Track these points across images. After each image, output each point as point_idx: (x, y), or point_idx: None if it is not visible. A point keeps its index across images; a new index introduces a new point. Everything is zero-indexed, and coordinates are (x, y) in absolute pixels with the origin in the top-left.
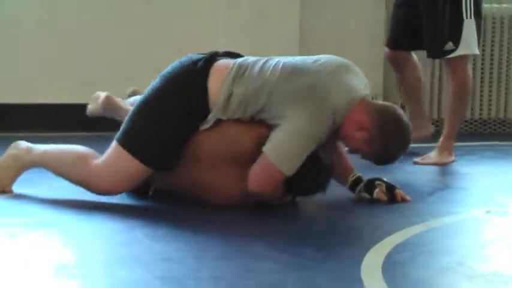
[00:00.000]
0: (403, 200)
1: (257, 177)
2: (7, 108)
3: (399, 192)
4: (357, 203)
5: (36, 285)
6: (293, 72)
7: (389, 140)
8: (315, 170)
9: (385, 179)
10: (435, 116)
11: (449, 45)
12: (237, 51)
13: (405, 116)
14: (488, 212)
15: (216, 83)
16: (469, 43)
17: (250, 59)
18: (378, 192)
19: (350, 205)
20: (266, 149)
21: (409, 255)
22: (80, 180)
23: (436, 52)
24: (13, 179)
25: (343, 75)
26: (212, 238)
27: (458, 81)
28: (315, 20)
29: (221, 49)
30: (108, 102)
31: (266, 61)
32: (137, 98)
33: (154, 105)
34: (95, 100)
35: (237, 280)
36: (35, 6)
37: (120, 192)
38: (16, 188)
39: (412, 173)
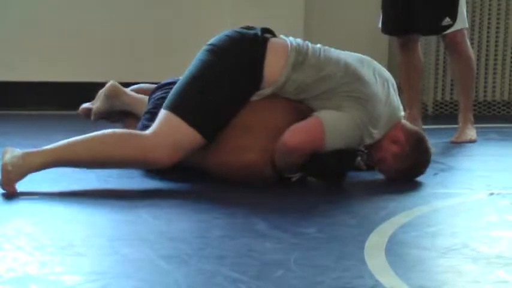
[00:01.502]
0: None
1: (300, 131)
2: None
3: None
4: (361, 184)
5: (42, 263)
6: (355, 75)
7: (414, 161)
8: (345, 158)
9: (363, 149)
10: (439, 98)
11: (447, 20)
12: None
13: (430, 145)
14: (491, 194)
15: (274, 63)
16: (463, 17)
17: (304, 43)
18: (358, 161)
19: (354, 186)
20: (321, 115)
21: (413, 236)
22: (133, 157)
23: (434, 28)
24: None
25: (389, 91)
26: (216, 218)
27: (462, 55)
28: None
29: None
30: (112, 89)
31: (323, 51)
32: (141, 85)
33: (211, 78)
34: (97, 100)
35: (240, 259)
36: None
37: (175, 163)
38: None
39: None
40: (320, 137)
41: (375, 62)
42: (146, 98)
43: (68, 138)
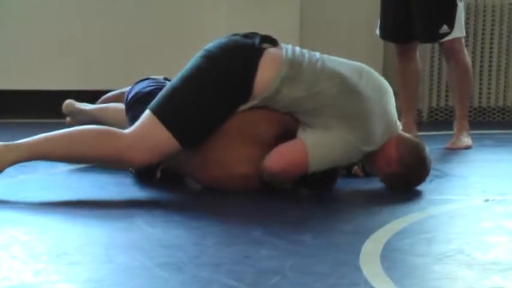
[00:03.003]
0: None
1: (283, 156)
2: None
3: None
4: (356, 190)
5: (37, 272)
6: (351, 91)
7: (412, 178)
8: (331, 172)
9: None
10: (434, 104)
11: (444, 28)
12: None
13: (428, 155)
14: (487, 200)
15: (266, 74)
16: (461, 26)
17: (301, 55)
18: (355, 170)
19: (349, 193)
20: (306, 137)
21: (408, 242)
22: (108, 155)
23: (432, 36)
24: None
25: (387, 104)
26: (211, 225)
27: (460, 64)
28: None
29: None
30: (65, 107)
31: (321, 63)
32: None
33: (199, 84)
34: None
35: (236, 266)
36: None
37: (151, 164)
38: (14, 173)
39: None
40: (304, 161)
41: (374, 73)
42: (111, 105)
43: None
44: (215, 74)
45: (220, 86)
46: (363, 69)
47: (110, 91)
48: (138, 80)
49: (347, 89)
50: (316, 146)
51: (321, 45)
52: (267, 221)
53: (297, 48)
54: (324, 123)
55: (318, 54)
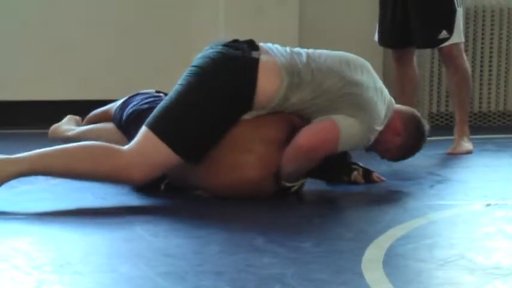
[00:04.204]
0: (380, 180)
1: (317, 133)
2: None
3: (375, 174)
4: (356, 196)
5: (40, 282)
6: (351, 81)
7: (416, 144)
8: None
9: (361, 164)
10: (434, 110)
11: (444, 33)
12: None
13: (423, 121)
14: (488, 205)
15: (268, 85)
16: (460, 31)
17: (292, 57)
18: (355, 175)
19: (350, 199)
20: (335, 117)
21: (410, 248)
22: (107, 174)
23: (430, 41)
24: None
25: (378, 83)
26: (213, 233)
27: (459, 69)
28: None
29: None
30: (50, 133)
31: (313, 62)
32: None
33: (195, 99)
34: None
35: (238, 275)
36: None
37: (151, 180)
38: (15, 184)
39: (411, 166)
40: (336, 138)
41: (356, 58)
42: (99, 126)
43: None
44: (211, 90)
45: (218, 101)
46: (348, 59)
47: (109, 101)
48: (127, 97)
49: (347, 80)
50: (345, 124)
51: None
52: (269, 229)
53: (278, 47)
54: (341, 113)
55: (303, 52)
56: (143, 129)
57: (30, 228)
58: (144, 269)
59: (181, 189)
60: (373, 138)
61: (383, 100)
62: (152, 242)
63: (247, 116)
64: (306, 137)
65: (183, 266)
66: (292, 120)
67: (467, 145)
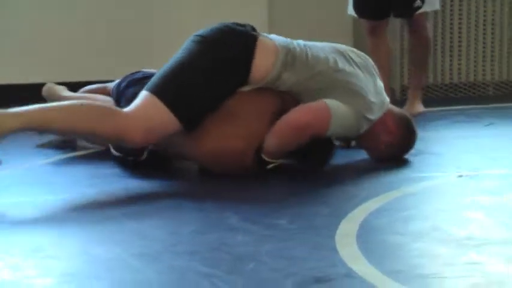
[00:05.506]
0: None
1: (310, 110)
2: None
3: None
4: (332, 172)
5: (14, 267)
6: (345, 70)
7: (405, 145)
8: (329, 146)
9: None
10: (406, 83)
11: (418, 2)
12: None
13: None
14: (460, 176)
15: (263, 61)
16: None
17: (288, 41)
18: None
19: (326, 176)
20: (327, 100)
21: (384, 221)
22: (107, 134)
23: (407, 10)
24: None
25: (375, 77)
26: (187, 213)
27: (424, 36)
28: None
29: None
30: (46, 89)
31: (309, 48)
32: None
33: (197, 66)
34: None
35: (212, 254)
36: None
37: (151, 143)
38: None
39: None
40: (327, 119)
41: (353, 50)
42: (95, 95)
43: None
44: (215, 56)
45: (219, 68)
46: (343, 50)
47: (93, 82)
48: (129, 73)
49: (341, 68)
50: (337, 108)
51: (290, 27)
52: (244, 207)
53: (282, 38)
54: (332, 98)
55: (301, 42)
56: (144, 93)
57: (2, 213)
58: (117, 251)
59: (163, 159)
60: (365, 126)
61: (378, 93)
62: (125, 223)
63: (243, 89)
64: (297, 113)
65: (156, 247)
66: (285, 98)
67: (419, 106)
